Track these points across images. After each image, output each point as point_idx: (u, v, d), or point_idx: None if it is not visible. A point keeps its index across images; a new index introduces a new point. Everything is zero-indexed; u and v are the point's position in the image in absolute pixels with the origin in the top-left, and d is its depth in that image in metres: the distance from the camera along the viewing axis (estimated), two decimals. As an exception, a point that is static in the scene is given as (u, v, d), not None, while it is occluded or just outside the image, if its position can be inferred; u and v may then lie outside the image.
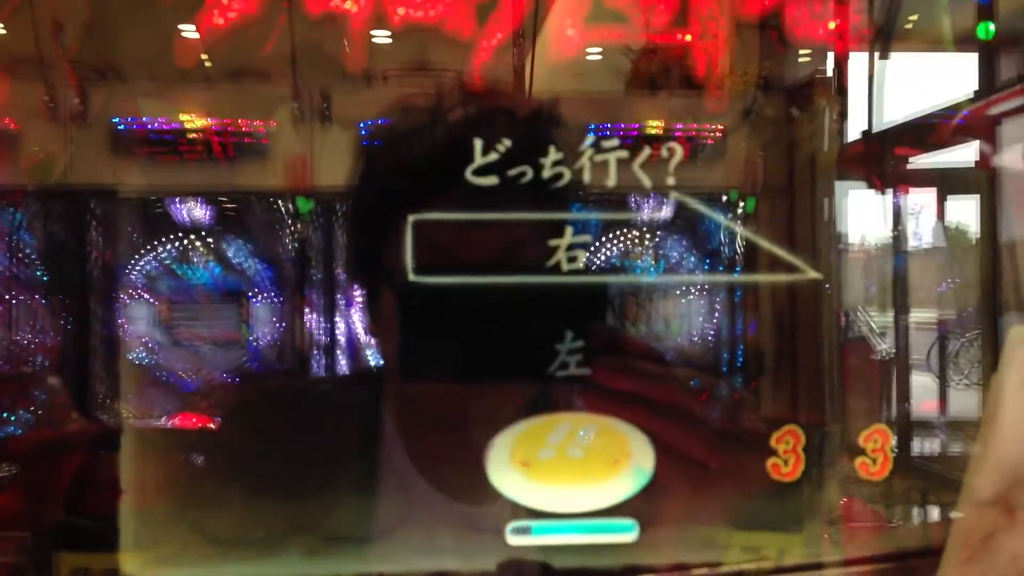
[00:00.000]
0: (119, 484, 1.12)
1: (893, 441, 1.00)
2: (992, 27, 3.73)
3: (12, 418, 3.03)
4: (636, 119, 3.84)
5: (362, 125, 3.23)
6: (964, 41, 3.98)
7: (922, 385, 4.77)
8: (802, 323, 4.05)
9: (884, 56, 4.01)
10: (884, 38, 4.03)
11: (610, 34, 3.55)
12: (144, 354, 4.27)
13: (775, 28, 3.75)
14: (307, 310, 4.20)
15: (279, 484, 1.14)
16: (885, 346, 4.39)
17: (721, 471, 1.02)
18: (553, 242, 0.98)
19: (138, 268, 4.30)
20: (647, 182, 0.98)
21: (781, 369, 4.11)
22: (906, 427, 4.26)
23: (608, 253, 4.34)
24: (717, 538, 1.07)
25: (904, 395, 4.27)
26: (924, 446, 4.36)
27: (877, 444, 1.02)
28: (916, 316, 4.54)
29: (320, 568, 1.11)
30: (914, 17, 4.26)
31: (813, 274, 1.03)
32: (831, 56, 3.81)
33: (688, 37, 3.51)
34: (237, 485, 1.14)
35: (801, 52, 3.96)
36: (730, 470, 1.04)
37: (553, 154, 0.98)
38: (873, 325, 4.52)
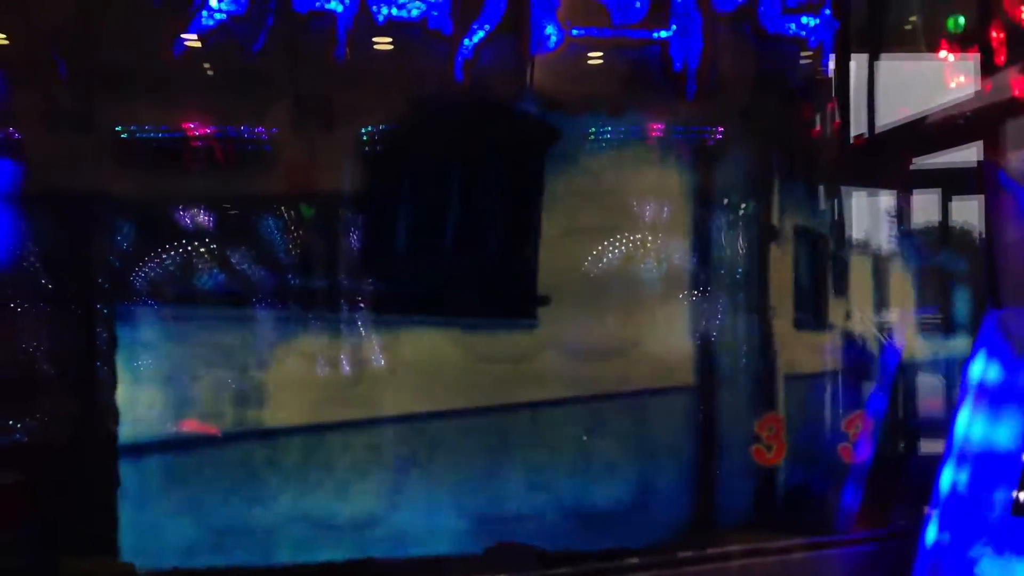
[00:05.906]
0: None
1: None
2: (962, 20, 3.73)
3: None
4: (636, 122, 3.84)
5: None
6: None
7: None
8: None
9: (879, 58, 4.02)
10: (882, 40, 4.04)
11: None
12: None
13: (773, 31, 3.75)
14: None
15: None
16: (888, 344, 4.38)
17: None
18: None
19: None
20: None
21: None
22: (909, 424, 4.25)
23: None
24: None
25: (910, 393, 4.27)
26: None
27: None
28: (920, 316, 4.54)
29: (314, 556, 1.13)
30: (913, 18, 4.25)
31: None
32: (832, 58, 3.82)
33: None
34: None
35: (802, 55, 3.96)
36: None
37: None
38: (875, 324, 4.51)
